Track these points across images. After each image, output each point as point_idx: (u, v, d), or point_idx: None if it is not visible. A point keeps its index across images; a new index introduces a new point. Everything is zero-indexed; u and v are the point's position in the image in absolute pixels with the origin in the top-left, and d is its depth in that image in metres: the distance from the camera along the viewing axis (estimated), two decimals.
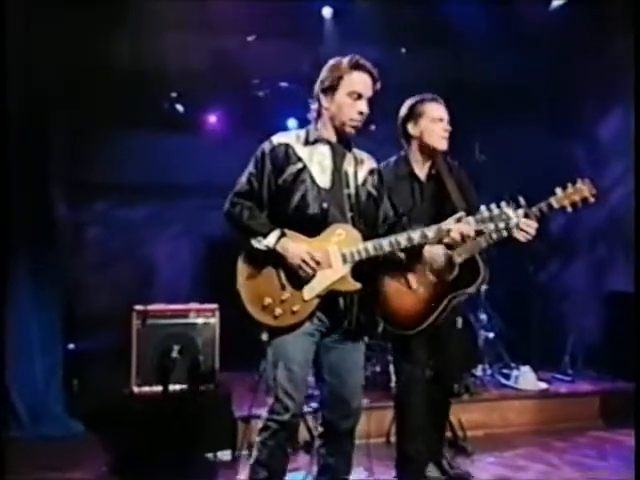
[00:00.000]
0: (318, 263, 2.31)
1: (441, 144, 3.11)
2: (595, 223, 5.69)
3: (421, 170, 3.19)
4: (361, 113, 2.44)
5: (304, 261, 2.30)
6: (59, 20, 4.53)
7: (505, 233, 2.41)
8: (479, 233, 2.39)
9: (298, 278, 2.34)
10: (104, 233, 5.63)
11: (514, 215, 2.30)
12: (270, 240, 2.33)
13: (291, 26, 5.37)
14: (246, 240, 2.38)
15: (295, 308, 2.34)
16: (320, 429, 2.58)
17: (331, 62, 2.50)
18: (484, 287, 5.25)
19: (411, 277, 2.97)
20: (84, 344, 4.95)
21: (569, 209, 2.68)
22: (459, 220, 2.37)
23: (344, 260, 2.35)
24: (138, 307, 4.17)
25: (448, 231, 2.36)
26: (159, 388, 4.02)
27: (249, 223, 2.38)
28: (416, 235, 2.37)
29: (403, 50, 5.90)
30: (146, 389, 4.04)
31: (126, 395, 4.04)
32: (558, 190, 2.70)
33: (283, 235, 2.35)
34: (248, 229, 2.38)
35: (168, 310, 4.24)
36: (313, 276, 2.33)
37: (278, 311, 2.34)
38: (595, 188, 2.67)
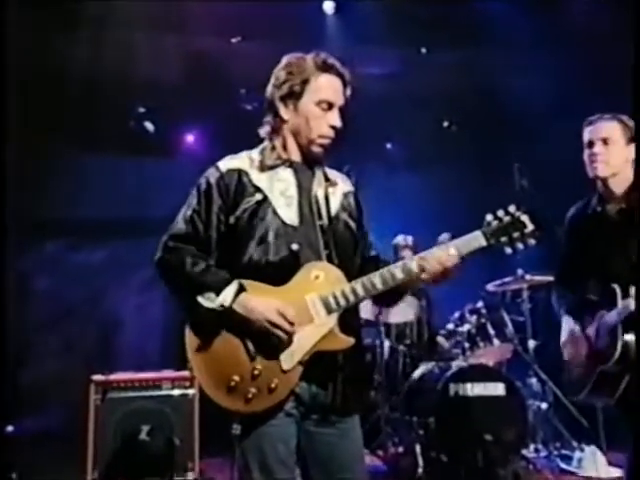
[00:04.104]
0: (292, 323, 2.16)
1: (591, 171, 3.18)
2: None
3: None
4: (333, 127, 2.35)
5: (273, 323, 2.15)
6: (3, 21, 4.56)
7: (521, 246, 2.34)
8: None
9: (271, 343, 2.18)
10: (55, 282, 5.58)
11: (529, 221, 2.30)
12: (226, 297, 2.16)
13: (285, 24, 5.42)
14: (190, 298, 2.19)
15: (273, 384, 2.15)
16: None
17: (289, 59, 2.39)
18: (533, 342, 5.19)
19: None
20: (26, 425, 4.82)
21: None
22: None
23: (328, 309, 2.22)
24: (97, 377, 4.13)
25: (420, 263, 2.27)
26: None
27: (195, 275, 2.21)
28: (413, 265, 2.28)
29: (423, 50, 5.97)
30: None
31: None
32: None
33: (242, 289, 2.19)
34: (193, 283, 2.21)
35: (135, 380, 4.21)
36: (289, 338, 2.18)
37: (252, 391, 2.14)
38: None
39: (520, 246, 2.34)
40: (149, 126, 5.82)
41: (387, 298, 2.50)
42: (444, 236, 2.33)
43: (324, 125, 2.33)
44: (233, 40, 5.62)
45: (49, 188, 5.44)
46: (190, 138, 6.17)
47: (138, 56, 5.36)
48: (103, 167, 5.54)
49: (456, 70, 5.81)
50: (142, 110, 5.78)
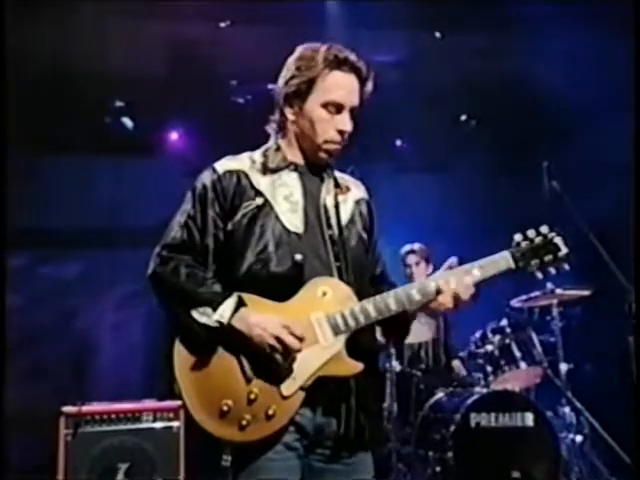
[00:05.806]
0: (300, 340, 2.18)
1: None
2: None
3: None
4: (342, 132, 2.35)
5: (279, 340, 2.15)
6: None
7: (553, 270, 2.39)
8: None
9: (271, 365, 2.19)
10: (21, 299, 5.48)
11: (562, 244, 2.35)
12: (223, 312, 2.18)
13: (281, 6, 5.38)
14: (185, 313, 2.23)
15: (271, 410, 2.16)
16: None
17: (301, 52, 2.40)
18: (565, 366, 5.16)
19: None
20: None
21: None
22: (450, 268, 2.32)
23: (335, 330, 2.24)
24: (68, 408, 4.10)
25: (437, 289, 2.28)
26: None
27: (190, 288, 2.25)
28: (431, 286, 2.29)
29: (438, 34, 5.94)
30: None
31: None
32: None
33: (241, 304, 2.22)
34: (188, 296, 2.24)
35: (111, 411, 4.20)
36: (293, 360, 2.19)
37: (246, 418, 2.15)
38: None
39: (552, 271, 2.39)
40: (127, 122, 5.82)
41: (395, 328, 2.48)
42: (452, 260, 2.33)
43: (331, 129, 2.34)
44: (222, 25, 5.57)
45: (13, 193, 5.39)
46: (174, 136, 6.15)
47: (114, 43, 5.32)
48: (75, 169, 5.52)
49: (475, 57, 5.79)
50: (119, 104, 5.77)
